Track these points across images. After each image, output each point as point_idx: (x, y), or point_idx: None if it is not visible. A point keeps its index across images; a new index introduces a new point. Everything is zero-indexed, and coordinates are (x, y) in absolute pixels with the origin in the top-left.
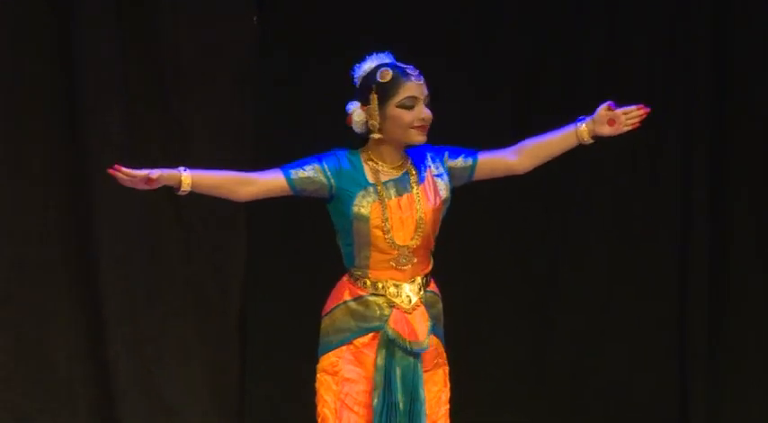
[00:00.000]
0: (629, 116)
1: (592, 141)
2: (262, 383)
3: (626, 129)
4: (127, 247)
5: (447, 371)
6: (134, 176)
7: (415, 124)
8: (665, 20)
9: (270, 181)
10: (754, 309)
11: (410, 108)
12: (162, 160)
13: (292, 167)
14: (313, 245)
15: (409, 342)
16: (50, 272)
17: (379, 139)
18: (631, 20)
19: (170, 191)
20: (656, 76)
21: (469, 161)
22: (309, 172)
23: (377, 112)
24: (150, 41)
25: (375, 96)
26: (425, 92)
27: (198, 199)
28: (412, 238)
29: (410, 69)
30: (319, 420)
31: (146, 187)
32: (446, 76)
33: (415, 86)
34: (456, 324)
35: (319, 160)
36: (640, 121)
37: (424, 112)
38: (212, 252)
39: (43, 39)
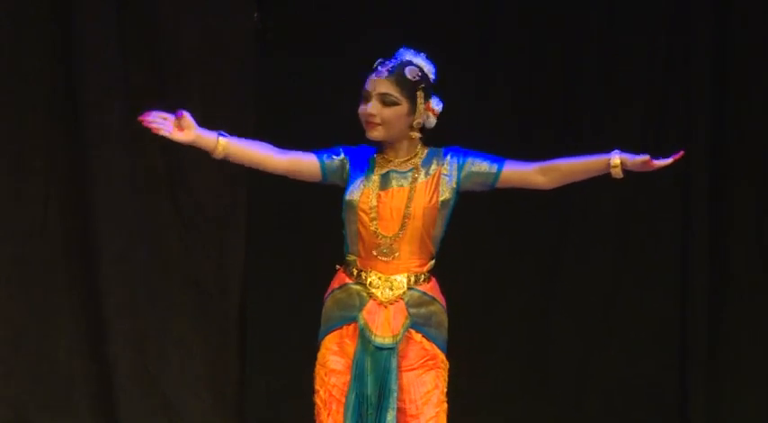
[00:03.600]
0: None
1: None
2: (262, 380)
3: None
4: (127, 245)
5: (442, 375)
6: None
7: (363, 120)
8: (666, 19)
9: (303, 159)
10: (754, 309)
11: (363, 103)
12: (162, 159)
13: (325, 153)
14: (312, 243)
15: (374, 335)
16: (51, 269)
17: None
18: (631, 20)
19: (170, 188)
20: (656, 76)
21: (494, 169)
22: (336, 161)
23: None
24: (151, 40)
25: None
26: (380, 89)
27: (197, 193)
28: (397, 231)
29: (382, 65)
30: (315, 410)
31: (178, 135)
32: (446, 75)
33: (368, 82)
34: (457, 325)
35: (346, 152)
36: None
37: (363, 108)
38: (212, 249)
39: (43, 38)
